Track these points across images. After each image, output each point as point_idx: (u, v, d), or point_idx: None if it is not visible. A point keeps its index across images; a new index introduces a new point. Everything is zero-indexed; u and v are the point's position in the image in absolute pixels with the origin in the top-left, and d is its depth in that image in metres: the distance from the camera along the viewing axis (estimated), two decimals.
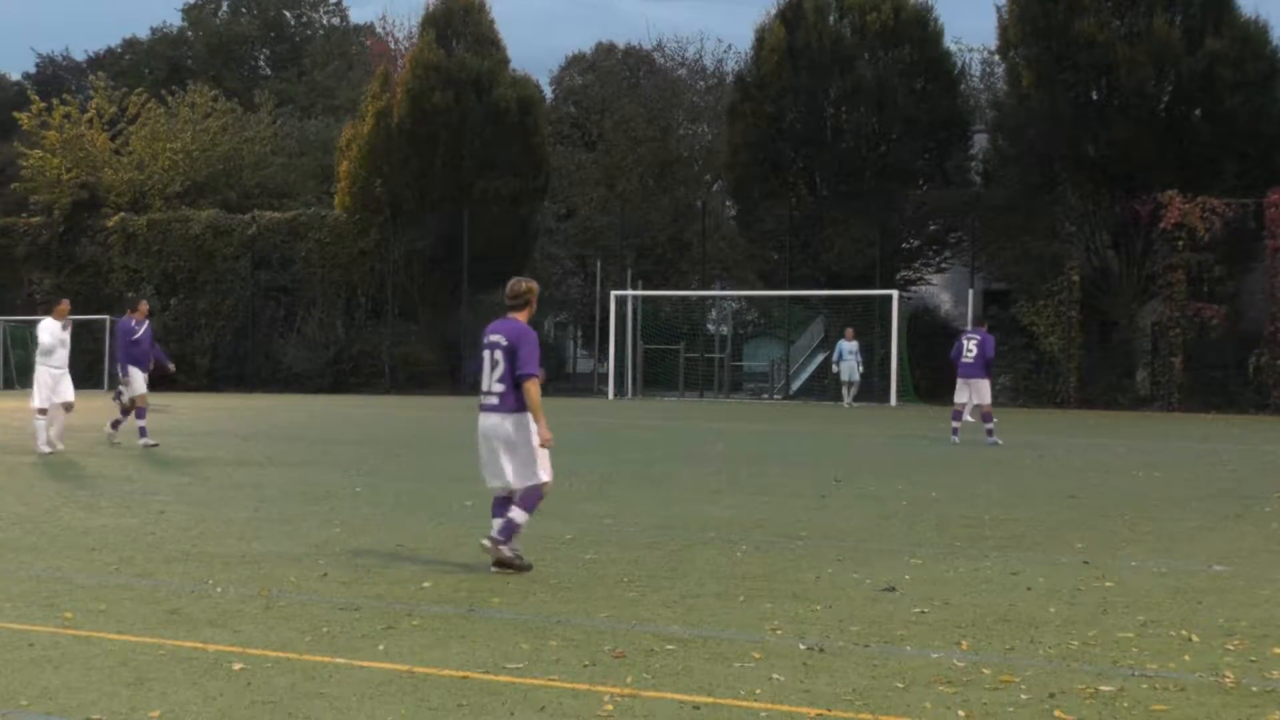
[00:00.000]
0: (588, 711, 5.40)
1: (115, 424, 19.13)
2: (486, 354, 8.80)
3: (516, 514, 8.56)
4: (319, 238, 42.80)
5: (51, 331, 17.80)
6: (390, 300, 41.87)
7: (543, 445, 8.61)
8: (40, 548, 9.38)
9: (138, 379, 19.03)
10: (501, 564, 8.50)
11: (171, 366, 20.74)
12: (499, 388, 8.67)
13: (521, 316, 8.93)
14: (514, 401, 8.61)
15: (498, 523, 8.62)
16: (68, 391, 17.62)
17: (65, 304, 18.42)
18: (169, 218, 44.87)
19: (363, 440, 20.22)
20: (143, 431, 18.29)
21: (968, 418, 21.64)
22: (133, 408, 18.92)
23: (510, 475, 8.57)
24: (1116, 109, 34.53)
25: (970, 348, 21.54)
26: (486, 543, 8.57)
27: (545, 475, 8.64)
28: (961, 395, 21.49)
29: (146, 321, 19.79)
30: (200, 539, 9.83)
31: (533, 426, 8.58)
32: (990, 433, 20.69)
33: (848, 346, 34.79)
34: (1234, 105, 33.82)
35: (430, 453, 16.77)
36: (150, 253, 44.58)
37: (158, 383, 35.81)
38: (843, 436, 22.82)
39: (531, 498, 8.64)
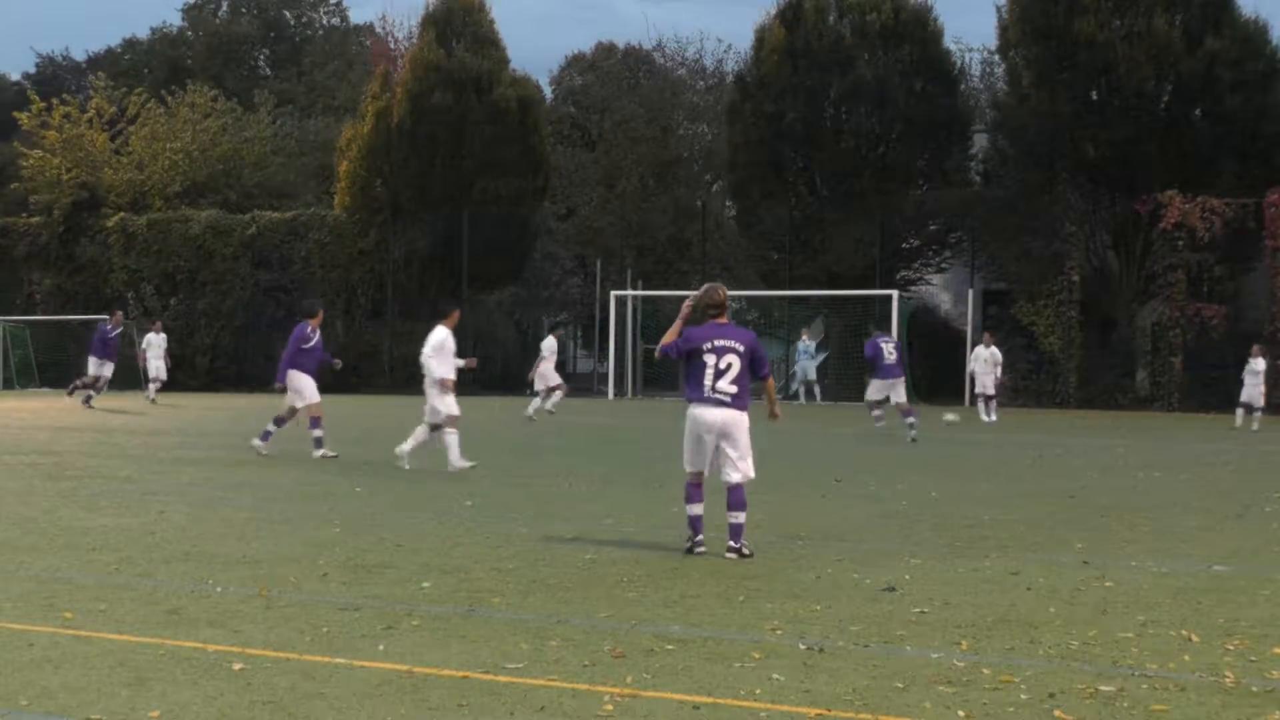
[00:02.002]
0: (588, 711, 5.40)
1: (268, 433, 17.56)
2: (713, 356, 9.58)
3: (739, 516, 9.38)
4: (319, 238, 42.80)
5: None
6: (390, 300, 41.88)
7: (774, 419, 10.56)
8: (40, 548, 9.38)
9: (310, 387, 17.75)
10: (740, 554, 9.27)
11: (338, 363, 20.12)
12: (733, 388, 9.55)
13: (727, 320, 9.94)
14: (746, 400, 9.64)
15: (733, 526, 9.37)
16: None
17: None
18: (169, 218, 44.86)
19: (362, 440, 20.22)
20: (319, 442, 17.06)
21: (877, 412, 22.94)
22: (290, 417, 17.67)
23: (737, 464, 9.50)
24: (1116, 109, 34.54)
25: (890, 350, 22.58)
26: (732, 555, 9.22)
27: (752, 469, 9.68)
28: (879, 394, 22.72)
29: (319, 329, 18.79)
30: (200, 539, 9.83)
31: (746, 424, 9.65)
32: (912, 425, 21.46)
33: (804, 346, 35.11)
34: (1234, 105, 33.83)
35: (430, 453, 16.76)
36: (150, 253, 44.57)
37: (161, 383, 35.89)
38: (843, 436, 22.82)
39: (743, 493, 9.51)
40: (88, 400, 28.74)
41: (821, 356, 39.36)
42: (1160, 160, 33.96)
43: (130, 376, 42.94)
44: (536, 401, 26.85)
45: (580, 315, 48.66)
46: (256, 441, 17.22)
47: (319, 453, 16.96)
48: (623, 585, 8.12)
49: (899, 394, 22.43)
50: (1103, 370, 35.20)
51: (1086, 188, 35.48)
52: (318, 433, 17.15)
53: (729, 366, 9.56)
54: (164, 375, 33.29)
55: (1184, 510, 12.39)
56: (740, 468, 9.48)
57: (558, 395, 27.26)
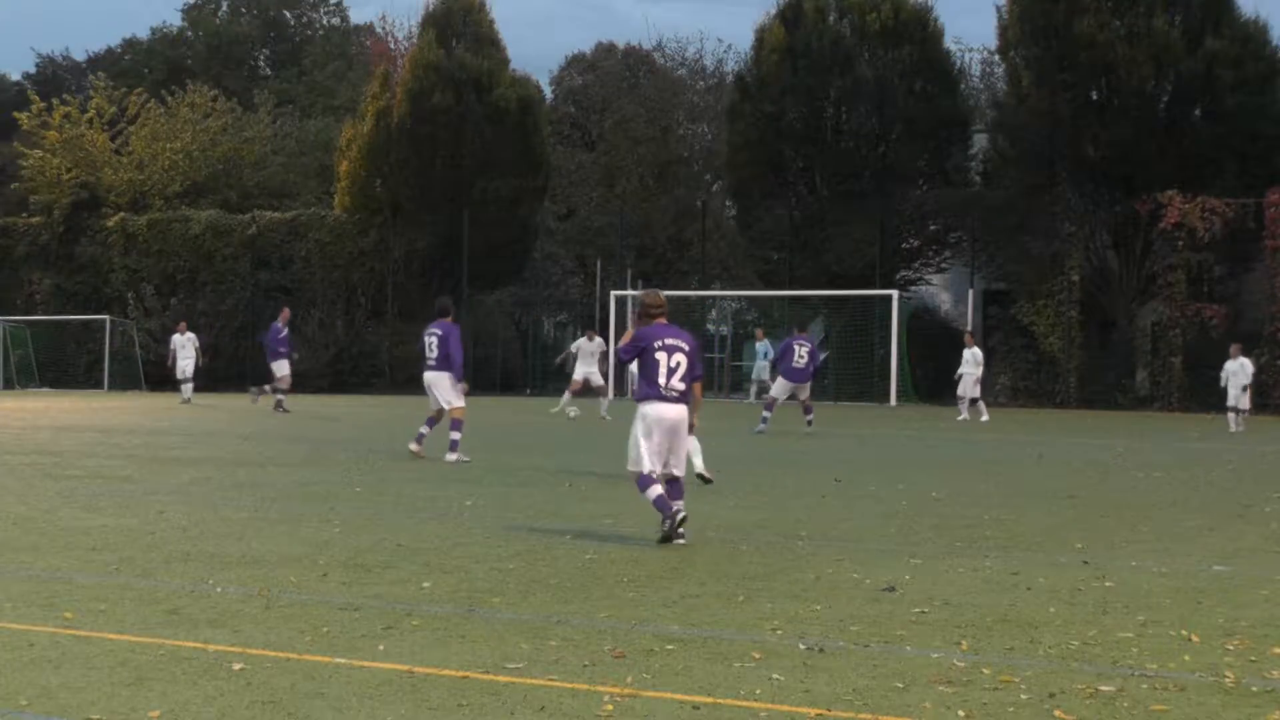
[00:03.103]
0: (588, 711, 5.39)
1: (421, 439, 17.14)
2: (664, 355, 9.92)
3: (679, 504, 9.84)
4: (319, 238, 42.81)
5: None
6: (390, 300, 41.88)
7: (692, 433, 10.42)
8: (40, 548, 9.38)
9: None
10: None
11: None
12: (682, 385, 9.94)
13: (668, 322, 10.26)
14: (688, 398, 10.06)
15: (680, 503, 9.81)
16: None
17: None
18: (169, 218, 44.88)
19: (362, 440, 20.22)
20: (454, 445, 16.47)
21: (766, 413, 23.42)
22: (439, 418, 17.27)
23: (681, 459, 9.98)
24: (1116, 109, 34.55)
25: (802, 354, 22.89)
26: (683, 533, 9.65)
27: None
28: (783, 392, 23.33)
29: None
30: (200, 539, 9.83)
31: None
32: (810, 422, 22.87)
33: (760, 347, 35.35)
34: (1234, 105, 33.86)
35: (430, 453, 16.77)
36: (150, 253, 44.59)
37: (162, 382, 35.88)
38: (843, 436, 22.82)
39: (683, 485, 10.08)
40: (279, 405, 27.78)
41: (822, 356, 39.37)
42: (1160, 160, 33.97)
43: (132, 378, 43.03)
44: (604, 402, 28.09)
45: (580, 315, 48.65)
46: (413, 446, 16.92)
47: (452, 456, 16.25)
48: (623, 585, 8.12)
49: (802, 394, 23.33)
50: (1103, 370, 35.21)
51: (1086, 188, 35.49)
52: (456, 435, 16.52)
53: (679, 365, 9.92)
54: (190, 373, 33.22)
55: (1184, 510, 12.39)
56: (683, 462, 10.04)
57: (601, 400, 28.30)
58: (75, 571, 8.46)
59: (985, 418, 28.11)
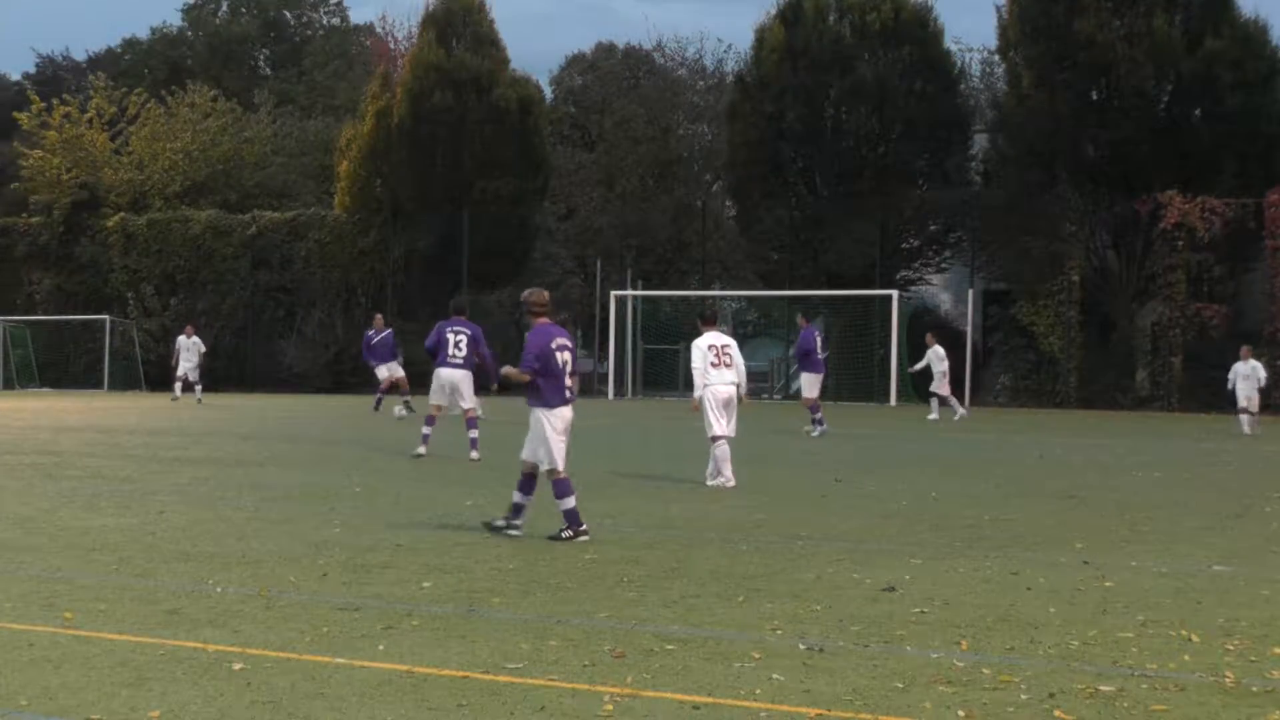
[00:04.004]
0: (588, 711, 5.40)
1: (426, 440, 17.17)
2: (560, 354, 10.15)
3: (572, 500, 10.13)
4: (319, 238, 42.80)
5: None
6: (390, 300, 41.86)
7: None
8: (40, 548, 9.38)
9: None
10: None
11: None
12: (571, 384, 10.22)
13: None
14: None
15: (572, 512, 10.04)
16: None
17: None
18: (169, 218, 44.87)
19: (363, 440, 20.22)
20: (475, 443, 16.73)
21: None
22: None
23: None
24: (1116, 109, 34.54)
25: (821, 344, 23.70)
26: (568, 535, 9.91)
27: None
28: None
29: None
30: (200, 539, 9.83)
31: None
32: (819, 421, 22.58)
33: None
34: (1234, 105, 33.84)
35: (430, 453, 16.77)
36: (150, 253, 44.58)
37: (162, 383, 35.85)
38: (843, 436, 22.81)
39: None
40: (406, 405, 26.25)
41: (822, 357, 39.34)
42: (1160, 160, 33.95)
43: (132, 378, 43.02)
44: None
45: (580, 315, 48.64)
46: (421, 449, 16.89)
47: (477, 454, 16.43)
48: (623, 585, 8.12)
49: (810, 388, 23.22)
50: (1103, 370, 35.18)
51: (1086, 188, 35.47)
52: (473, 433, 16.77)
53: (566, 363, 10.21)
54: (194, 376, 33.17)
55: (1184, 510, 12.39)
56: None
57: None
58: (75, 571, 8.46)
59: (961, 414, 28.18)
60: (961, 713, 5.42)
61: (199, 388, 33.12)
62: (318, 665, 6.08)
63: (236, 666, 6.03)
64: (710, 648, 6.49)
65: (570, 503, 10.03)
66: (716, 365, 13.81)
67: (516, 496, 10.24)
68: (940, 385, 29.03)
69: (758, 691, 5.69)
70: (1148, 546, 10.01)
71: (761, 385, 41.38)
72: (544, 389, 10.10)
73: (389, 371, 27.56)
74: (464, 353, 16.71)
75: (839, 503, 12.62)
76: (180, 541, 9.70)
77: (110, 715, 5.30)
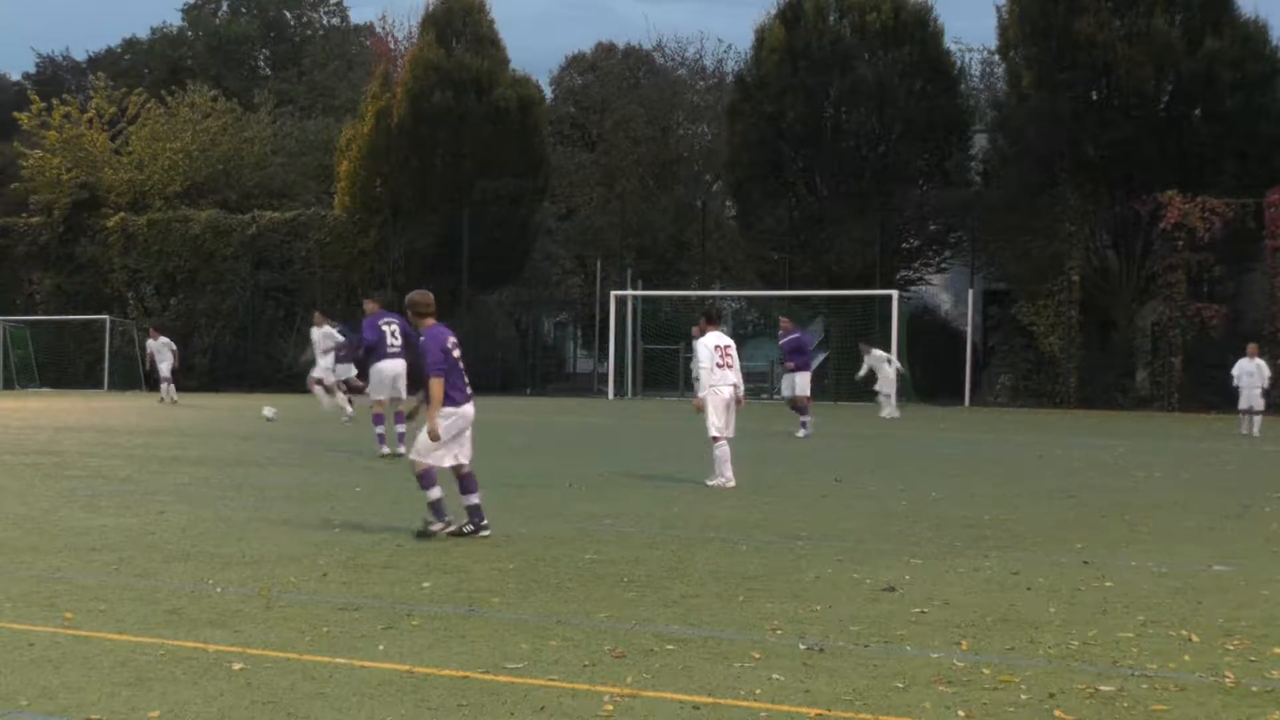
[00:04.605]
0: (588, 711, 5.40)
1: (402, 437, 16.95)
2: (458, 354, 10.19)
3: (478, 496, 10.24)
4: (319, 238, 42.81)
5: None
6: (389, 300, 41.85)
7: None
8: (40, 548, 9.37)
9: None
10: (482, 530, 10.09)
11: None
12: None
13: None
14: None
15: (476, 507, 10.16)
16: None
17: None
18: (169, 218, 44.88)
19: (362, 440, 20.20)
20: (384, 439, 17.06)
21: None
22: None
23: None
24: (1116, 109, 34.55)
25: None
26: (486, 534, 10.00)
27: None
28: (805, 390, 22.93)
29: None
30: (200, 539, 9.83)
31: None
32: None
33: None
34: (1234, 105, 33.86)
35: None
36: (150, 253, 44.60)
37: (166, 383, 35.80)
38: (843, 436, 22.81)
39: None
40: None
41: (820, 358, 39.36)
42: (1160, 160, 33.96)
43: (132, 378, 43.01)
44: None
45: (580, 315, 48.66)
46: (400, 449, 16.71)
47: (387, 450, 16.76)
48: (623, 585, 8.12)
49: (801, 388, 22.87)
50: (1103, 370, 35.20)
51: (1086, 188, 35.49)
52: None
53: (458, 360, 10.21)
54: (165, 373, 33.30)
55: (1184, 510, 12.38)
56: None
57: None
58: (75, 571, 8.46)
59: (896, 415, 28.05)
60: (961, 713, 5.42)
61: (171, 387, 33.20)
62: (318, 665, 6.08)
63: (236, 666, 6.03)
64: (710, 648, 6.49)
65: (436, 493, 9.98)
66: (721, 366, 13.86)
67: (470, 499, 10.14)
68: (885, 383, 28.73)
69: (758, 691, 5.69)
70: (1148, 546, 10.01)
71: (761, 385, 41.43)
72: (448, 389, 10.00)
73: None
74: (399, 343, 16.84)
75: (839, 503, 12.62)
76: (180, 541, 9.70)
77: (110, 715, 5.29)
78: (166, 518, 11.00)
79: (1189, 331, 33.86)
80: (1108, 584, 8.33)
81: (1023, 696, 5.67)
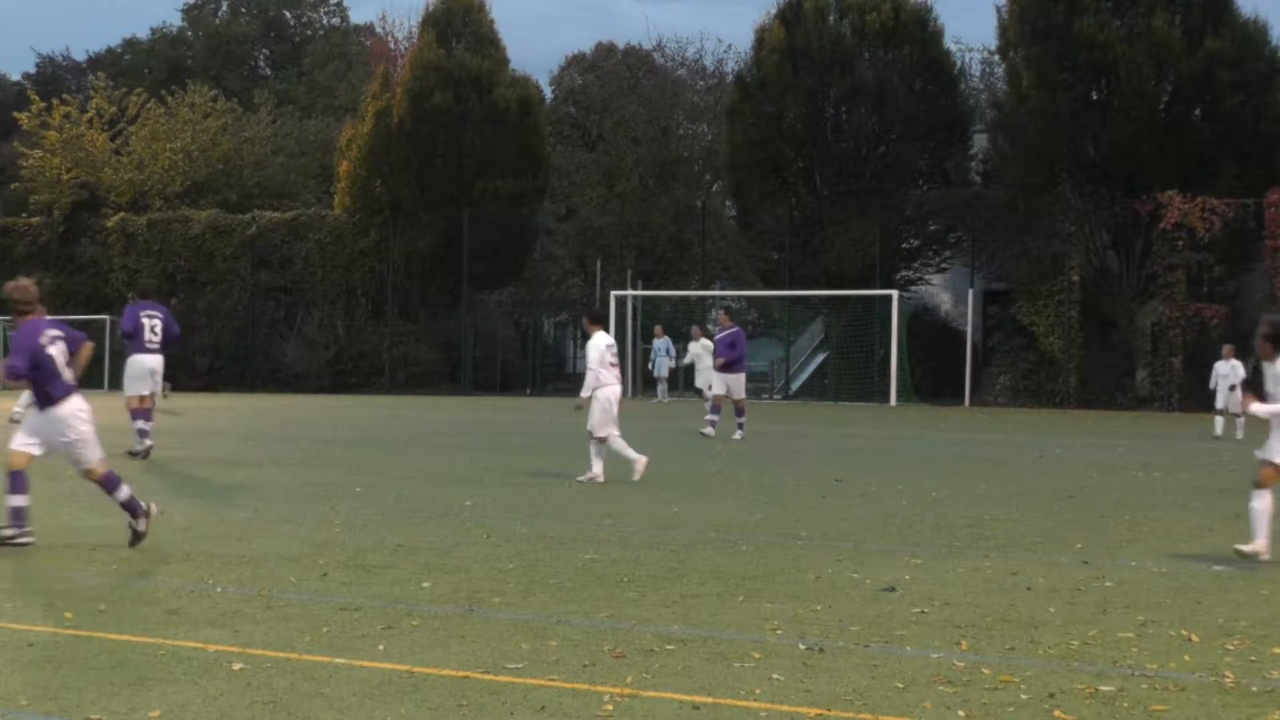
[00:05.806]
0: (588, 711, 5.40)
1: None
2: (54, 348, 9.48)
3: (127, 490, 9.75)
4: (319, 238, 42.81)
5: None
6: (390, 300, 41.88)
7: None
8: (40, 548, 9.37)
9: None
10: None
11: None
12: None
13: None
14: None
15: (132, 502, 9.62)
16: None
17: None
18: (169, 218, 44.88)
19: (363, 440, 20.22)
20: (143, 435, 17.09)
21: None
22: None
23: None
24: (1116, 109, 34.53)
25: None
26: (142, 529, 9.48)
27: None
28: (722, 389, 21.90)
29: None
30: (200, 539, 9.83)
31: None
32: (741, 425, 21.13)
33: (660, 344, 35.59)
34: (1234, 105, 33.83)
35: (430, 453, 16.78)
36: (150, 253, 44.59)
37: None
38: (842, 436, 22.82)
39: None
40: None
41: (820, 358, 39.40)
42: (1160, 160, 33.94)
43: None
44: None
45: (580, 315, 48.63)
46: (146, 443, 16.73)
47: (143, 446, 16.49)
48: (623, 585, 8.12)
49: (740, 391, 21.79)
50: (1103, 370, 35.18)
51: (1086, 188, 35.47)
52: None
53: (63, 353, 9.59)
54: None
55: (1184, 510, 12.39)
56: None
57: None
58: (75, 571, 8.46)
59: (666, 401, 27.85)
60: (961, 713, 5.42)
61: (167, 385, 33.15)
62: (318, 665, 6.08)
63: (236, 666, 6.03)
64: (710, 648, 6.49)
65: (23, 501, 9.50)
66: (609, 365, 14.26)
67: (18, 500, 9.50)
68: (704, 378, 28.44)
69: (758, 691, 5.69)
70: (1148, 546, 10.01)
71: (761, 385, 41.42)
72: (46, 389, 9.50)
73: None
74: (159, 338, 16.75)
75: (839, 503, 12.62)
76: (180, 541, 9.70)
77: (110, 715, 5.29)
78: (166, 518, 11.00)
79: (1189, 331, 33.84)
80: (1108, 584, 8.33)
81: (1023, 696, 5.67)
